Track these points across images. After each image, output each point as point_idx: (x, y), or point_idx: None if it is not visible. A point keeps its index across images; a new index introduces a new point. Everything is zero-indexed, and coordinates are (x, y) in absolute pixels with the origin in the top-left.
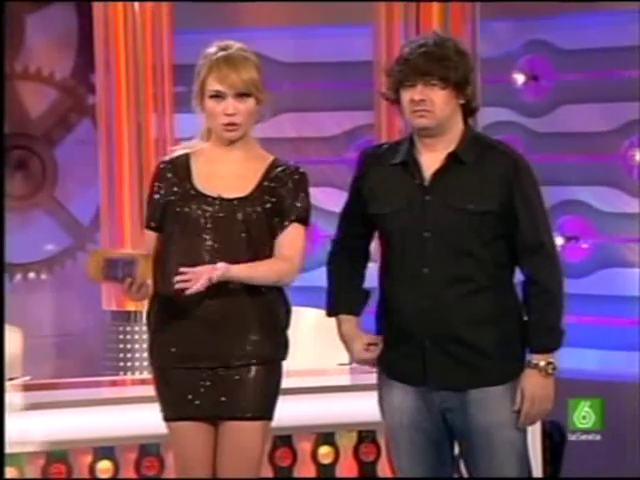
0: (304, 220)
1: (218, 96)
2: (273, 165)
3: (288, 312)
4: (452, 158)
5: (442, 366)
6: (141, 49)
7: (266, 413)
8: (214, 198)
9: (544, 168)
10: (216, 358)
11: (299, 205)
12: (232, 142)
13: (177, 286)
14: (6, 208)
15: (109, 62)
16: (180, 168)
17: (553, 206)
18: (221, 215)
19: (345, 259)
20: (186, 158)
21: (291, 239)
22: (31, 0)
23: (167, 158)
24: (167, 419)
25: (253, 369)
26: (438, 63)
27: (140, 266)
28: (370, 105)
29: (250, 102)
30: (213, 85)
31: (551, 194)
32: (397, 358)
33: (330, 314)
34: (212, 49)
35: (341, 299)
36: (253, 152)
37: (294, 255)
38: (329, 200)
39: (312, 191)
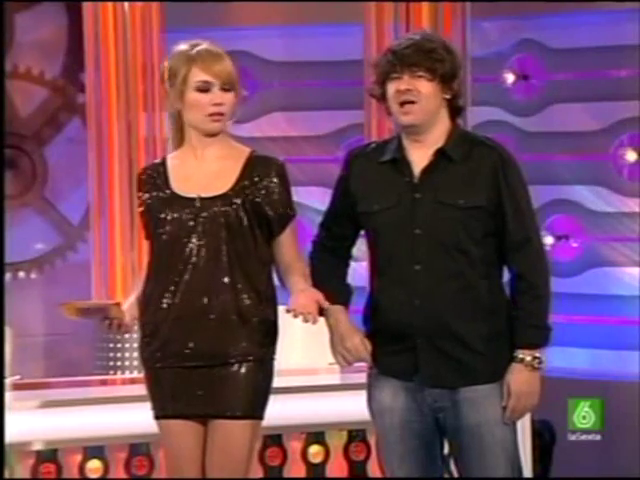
0: (295, 214)
1: (204, 88)
2: (252, 158)
3: (275, 308)
4: (440, 155)
5: (434, 363)
6: (131, 48)
7: (255, 412)
8: (193, 199)
9: (534, 167)
10: (207, 356)
11: (289, 201)
12: (212, 136)
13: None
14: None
15: (99, 61)
16: (158, 175)
17: (543, 205)
18: (202, 215)
19: (327, 256)
20: (163, 164)
21: (292, 237)
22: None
23: (146, 166)
24: (158, 417)
25: (244, 367)
26: (425, 55)
27: (112, 312)
28: (360, 104)
29: (232, 95)
30: (199, 76)
31: (541, 193)
32: (389, 355)
33: (320, 311)
34: (183, 47)
35: (328, 292)
36: (229, 148)
37: (300, 252)
38: (319, 199)
39: (302, 190)
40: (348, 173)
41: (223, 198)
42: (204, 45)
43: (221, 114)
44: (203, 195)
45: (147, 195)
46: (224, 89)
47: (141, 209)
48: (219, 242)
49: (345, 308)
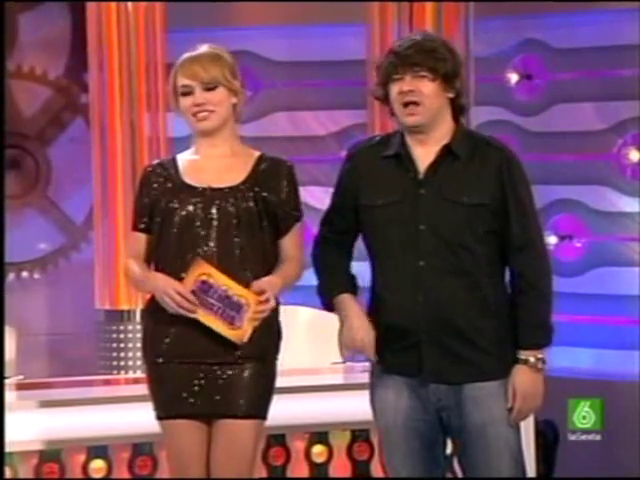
0: (301, 216)
1: (186, 92)
2: (261, 158)
3: (278, 307)
4: (446, 152)
5: (438, 359)
6: (134, 48)
7: (259, 412)
8: (203, 189)
9: (537, 167)
10: (210, 355)
11: (296, 202)
12: (210, 135)
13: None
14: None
15: (102, 61)
16: (167, 168)
17: (547, 205)
18: (212, 204)
19: (332, 249)
20: (173, 159)
21: (295, 239)
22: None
23: (154, 162)
24: (161, 418)
25: (247, 366)
26: (427, 54)
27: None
28: (363, 104)
29: (220, 92)
30: (181, 81)
31: (544, 193)
32: (393, 351)
33: (327, 304)
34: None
35: (334, 283)
36: (238, 149)
37: (300, 255)
38: (321, 199)
39: (304, 190)
40: (352, 166)
41: (234, 190)
42: (199, 50)
43: (207, 111)
44: (214, 185)
45: (153, 187)
46: (207, 89)
47: (144, 200)
48: (229, 234)
49: (355, 297)
